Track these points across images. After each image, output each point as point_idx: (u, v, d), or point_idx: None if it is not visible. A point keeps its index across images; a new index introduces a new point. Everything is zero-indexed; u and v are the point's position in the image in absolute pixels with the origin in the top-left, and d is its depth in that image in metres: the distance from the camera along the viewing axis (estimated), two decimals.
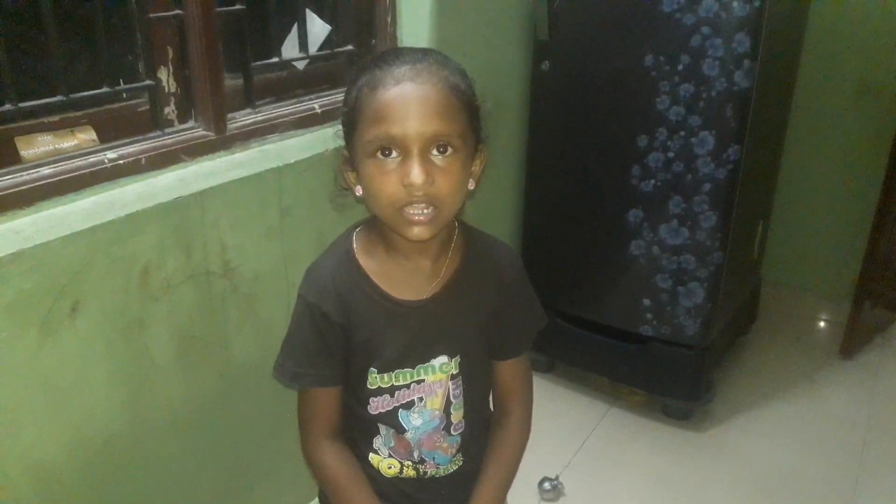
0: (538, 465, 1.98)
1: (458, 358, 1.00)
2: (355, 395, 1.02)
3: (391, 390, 0.99)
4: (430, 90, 0.87)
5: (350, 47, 1.76)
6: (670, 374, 2.18)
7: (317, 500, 1.19)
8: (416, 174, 0.86)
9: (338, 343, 0.99)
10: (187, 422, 1.38)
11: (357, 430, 1.05)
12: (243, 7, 1.49)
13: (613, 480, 2.03)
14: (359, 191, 0.95)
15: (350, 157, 0.95)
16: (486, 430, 1.12)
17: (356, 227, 1.03)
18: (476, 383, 1.04)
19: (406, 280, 0.97)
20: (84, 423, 1.20)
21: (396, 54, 0.91)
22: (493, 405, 1.12)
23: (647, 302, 2.13)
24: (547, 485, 1.94)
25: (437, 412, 1.02)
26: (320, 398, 1.03)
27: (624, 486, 2.01)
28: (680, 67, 1.90)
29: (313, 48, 1.68)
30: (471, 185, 0.97)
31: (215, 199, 1.34)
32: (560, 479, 1.97)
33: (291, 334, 1.03)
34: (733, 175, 1.94)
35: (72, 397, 1.17)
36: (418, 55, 0.91)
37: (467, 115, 0.91)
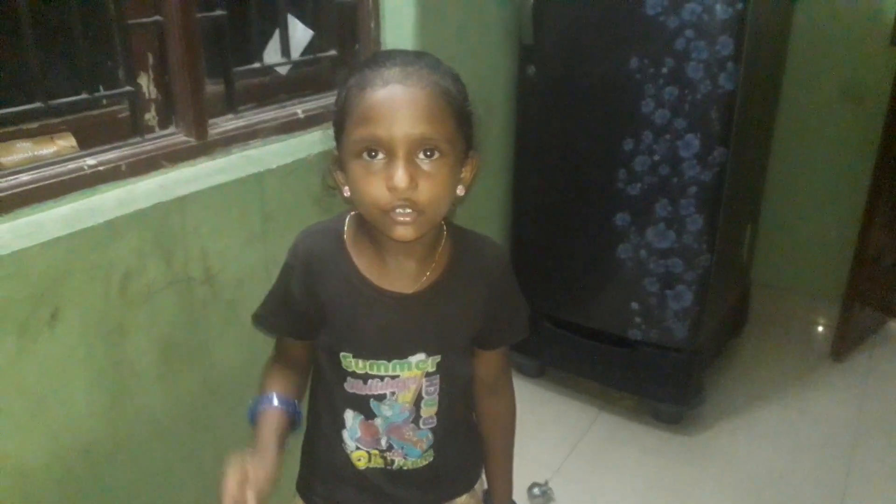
0: (527, 470, 1.97)
1: (437, 357, 1.00)
2: (333, 368, 1.02)
3: (364, 377, 1.00)
4: (419, 93, 0.86)
5: (333, 52, 1.76)
6: (660, 378, 2.18)
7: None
8: (400, 178, 0.85)
9: (300, 305, 1.01)
10: (169, 429, 1.37)
11: (327, 416, 1.06)
12: (224, 12, 1.49)
13: (603, 485, 2.02)
14: (346, 191, 0.95)
15: (339, 157, 0.95)
16: (464, 431, 1.12)
17: (350, 212, 1.03)
18: (454, 383, 1.04)
19: (389, 275, 0.98)
20: (63, 430, 1.19)
21: (388, 56, 0.91)
22: (478, 389, 1.14)
23: (635, 305, 2.12)
24: (536, 490, 1.93)
25: (407, 405, 1.02)
26: (277, 343, 1.10)
27: (614, 491, 2.00)
28: (664, 70, 1.90)
29: (296, 53, 1.68)
30: (460, 191, 0.96)
31: (196, 205, 1.33)
32: (549, 484, 1.96)
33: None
34: (719, 177, 1.94)
35: (51, 405, 1.16)
36: (410, 57, 0.90)
37: (457, 120, 0.91)
